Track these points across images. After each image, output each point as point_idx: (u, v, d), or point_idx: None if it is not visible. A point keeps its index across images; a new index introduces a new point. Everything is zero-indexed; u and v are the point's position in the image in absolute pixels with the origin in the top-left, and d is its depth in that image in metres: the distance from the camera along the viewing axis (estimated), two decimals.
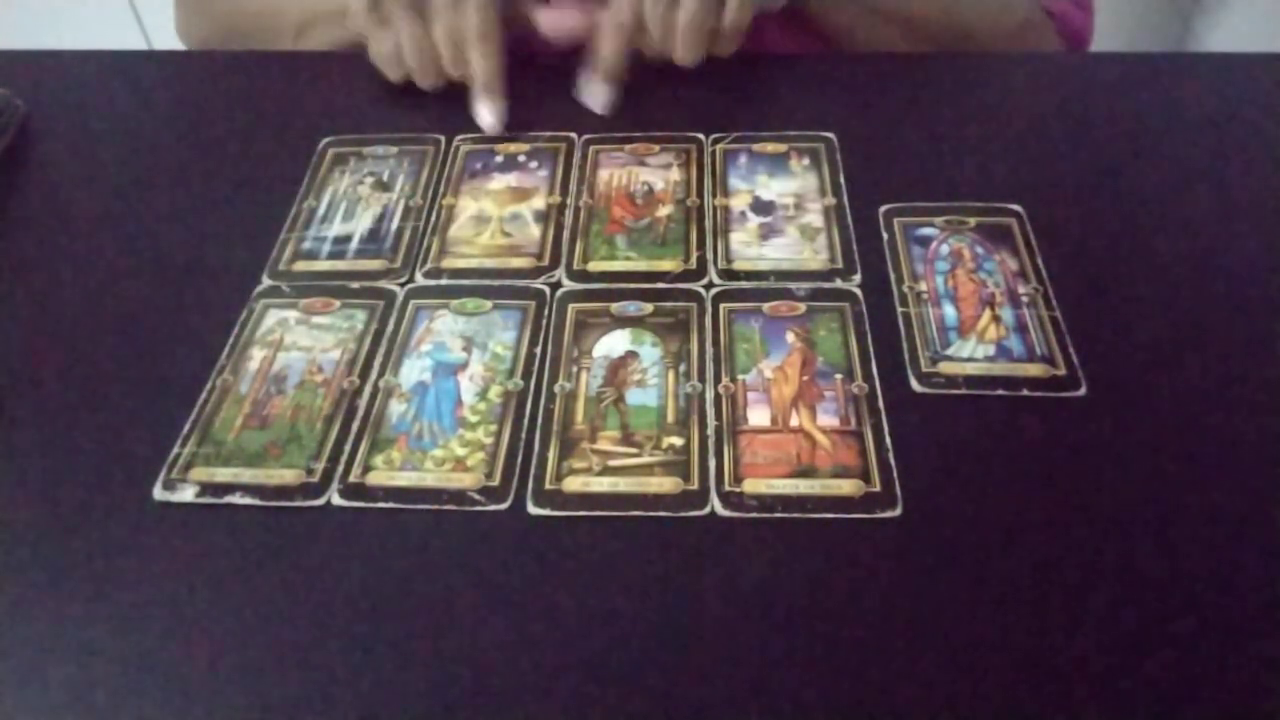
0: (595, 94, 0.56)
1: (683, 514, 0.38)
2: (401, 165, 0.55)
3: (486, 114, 0.56)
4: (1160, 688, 0.33)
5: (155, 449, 0.41)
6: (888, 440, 0.40)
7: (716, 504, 0.38)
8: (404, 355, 0.45)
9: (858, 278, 0.47)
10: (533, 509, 0.39)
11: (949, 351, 0.44)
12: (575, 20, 0.58)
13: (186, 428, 0.42)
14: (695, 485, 0.39)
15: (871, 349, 0.44)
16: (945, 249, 0.48)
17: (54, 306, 0.48)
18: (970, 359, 0.43)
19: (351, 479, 0.40)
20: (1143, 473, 0.39)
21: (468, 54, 0.55)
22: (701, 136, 0.55)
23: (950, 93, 0.58)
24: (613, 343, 0.45)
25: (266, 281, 0.48)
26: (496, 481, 0.40)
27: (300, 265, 0.49)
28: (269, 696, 0.34)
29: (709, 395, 0.42)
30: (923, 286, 0.47)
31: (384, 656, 0.35)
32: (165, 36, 1.58)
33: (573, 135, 0.56)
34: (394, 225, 0.51)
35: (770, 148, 0.54)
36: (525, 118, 0.57)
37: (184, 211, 0.52)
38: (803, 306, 0.46)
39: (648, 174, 0.53)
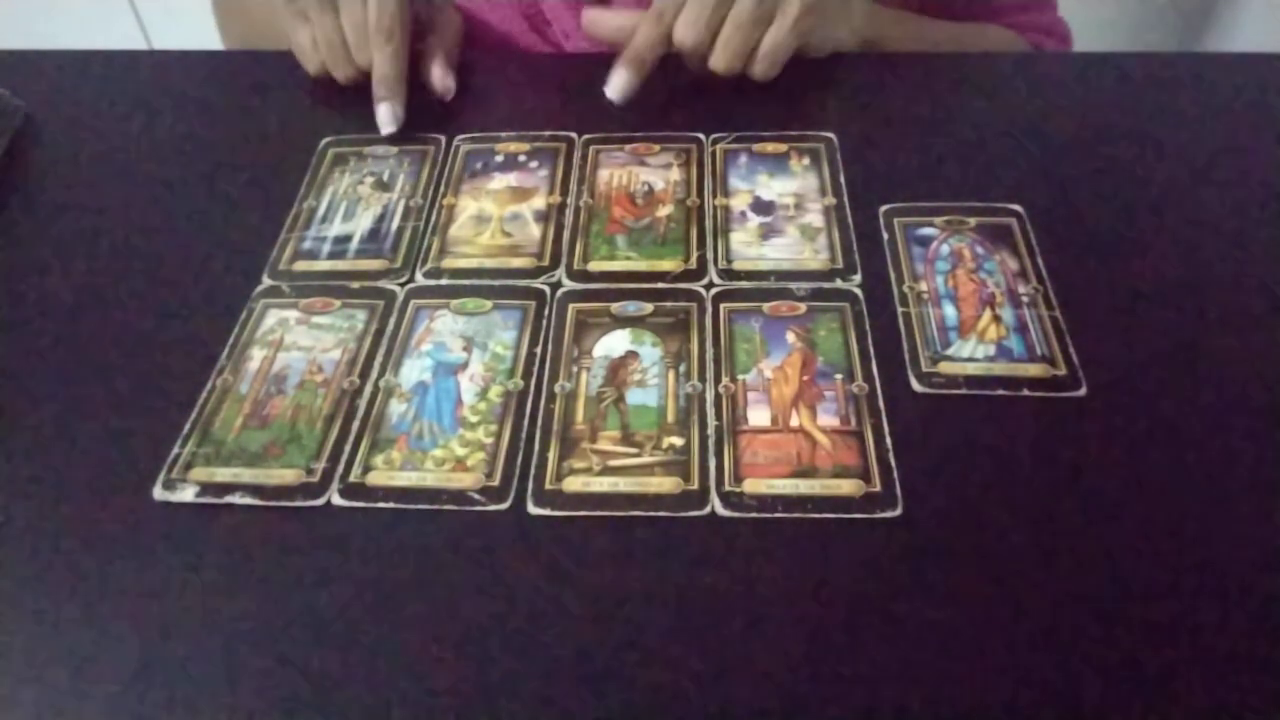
0: (614, 80, 0.54)
1: (683, 514, 0.38)
2: (401, 165, 0.55)
3: (380, 113, 0.55)
4: (1160, 687, 0.33)
5: (155, 449, 0.41)
6: (888, 440, 0.40)
7: (716, 504, 0.38)
8: (404, 355, 0.45)
9: (858, 278, 0.47)
10: (533, 509, 0.39)
11: (949, 351, 0.44)
12: (616, 22, 0.56)
13: (186, 428, 0.42)
14: (695, 485, 0.39)
15: (871, 349, 0.44)
16: (945, 249, 0.48)
17: (54, 306, 0.48)
18: (970, 359, 0.43)
19: (351, 479, 0.40)
20: (1143, 473, 0.39)
21: (370, 50, 0.55)
22: (701, 136, 0.55)
23: (950, 93, 0.58)
24: (613, 343, 0.45)
25: (266, 281, 0.48)
26: (496, 481, 0.40)
27: (300, 265, 0.49)
28: (269, 696, 0.34)
29: (709, 395, 0.42)
30: (923, 286, 0.47)
31: (384, 656, 0.35)
32: (165, 36, 1.59)
33: (573, 135, 0.56)
34: (394, 225, 0.51)
35: (770, 148, 0.54)
36: (525, 117, 0.57)
37: (184, 211, 0.52)
38: (803, 306, 0.46)
39: (648, 174, 0.53)
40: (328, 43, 0.56)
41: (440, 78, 0.57)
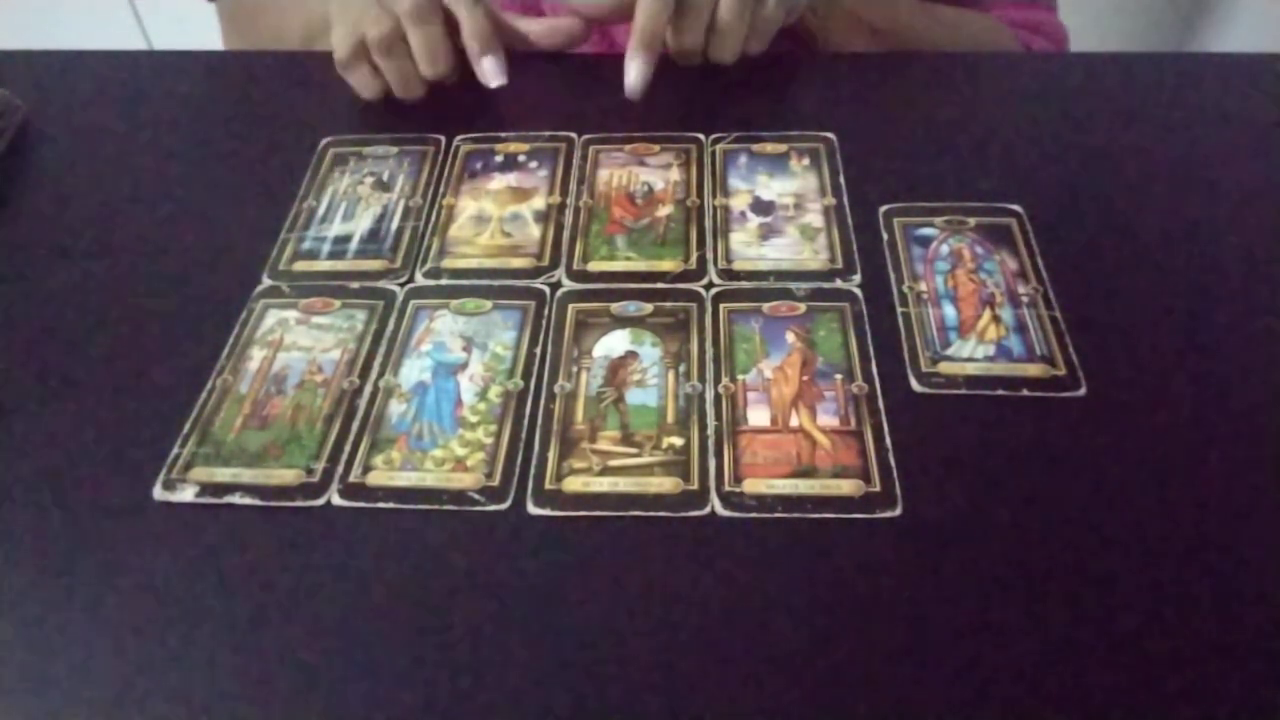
0: (632, 70, 0.54)
1: (683, 514, 0.38)
2: (401, 165, 0.55)
3: (485, 66, 0.55)
4: (1160, 687, 0.33)
5: (155, 449, 0.41)
6: (888, 440, 0.40)
7: (716, 504, 0.38)
8: (404, 355, 0.45)
9: (858, 278, 0.47)
10: (533, 509, 0.39)
11: (949, 351, 0.44)
12: (605, 8, 0.57)
13: (186, 428, 0.42)
14: (695, 485, 0.39)
15: (871, 349, 0.44)
16: (945, 249, 0.48)
17: (54, 306, 0.48)
18: (970, 359, 0.43)
19: (351, 479, 0.40)
20: (1143, 473, 0.39)
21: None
22: (701, 136, 0.55)
23: (950, 93, 0.58)
24: (613, 343, 0.45)
25: (266, 281, 0.48)
26: (496, 481, 0.40)
27: (300, 265, 0.49)
28: (269, 696, 0.34)
29: (709, 395, 0.42)
30: (923, 286, 0.47)
31: (384, 656, 0.35)
32: (165, 36, 1.59)
33: (573, 135, 0.56)
34: (394, 225, 0.51)
35: (770, 148, 0.54)
36: (525, 117, 0.57)
37: (184, 211, 0.52)
38: (803, 306, 0.46)
39: (648, 174, 0.53)
40: (404, 80, 0.56)
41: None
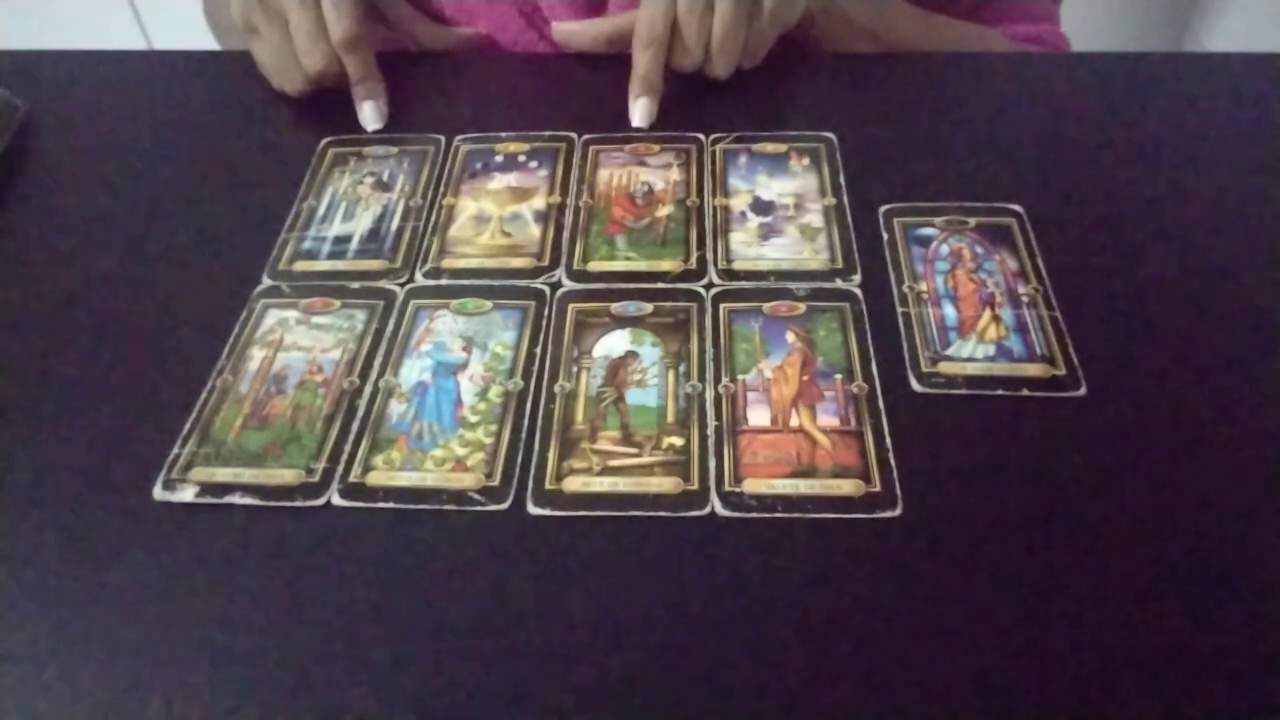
0: (635, 110, 0.56)
1: (683, 514, 0.38)
2: (401, 165, 0.55)
3: (365, 111, 0.57)
4: (1159, 687, 0.33)
5: (155, 449, 0.41)
6: (888, 440, 0.40)
7: (716, 504, 0.38)
8: (404, 355, 0.45)
9: (858, 278, 0.47)
10: (533, 509, 0.39)
11: (949, 351, 0.44)
12: (588, 37, 0.59)
13: (186, 428, 0.42)
14: (695, 485, 0.39)
15: (871, 349, 0.44)
16: (945, 249, 0.48)
17: (54, 306, 0.48)
18: (970, 359, 0.43)
19: (351, 479, 0.40)
20: (1142, 473, 0.39)
21: (342, 57, 0.56)
22: (701, 136, 0.55)
23: (950, 93, 0.58)
24: (613, 343, 0.45)
25: (266, 281, 0.48)
26: (496, 481, 0.40)
27: (300, 265, 0.49)
28: (269, 696, 0.34)
29: (709, 395, 0.42)
30: (923, 286, 0.47)
31: (384, 656, 0.35)
32: (165, 36, 1.59)
33: (573, 135, 0.56)
34: (394, 225, 0.51)
35: (770, 148, 0.54)
36: (525, 117, 0.57)
37: (184, 211, 0.52)
38: (803, 306, 0.46)
39: (648, 174, 0.53)
40: (275, 53, 0.56)
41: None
